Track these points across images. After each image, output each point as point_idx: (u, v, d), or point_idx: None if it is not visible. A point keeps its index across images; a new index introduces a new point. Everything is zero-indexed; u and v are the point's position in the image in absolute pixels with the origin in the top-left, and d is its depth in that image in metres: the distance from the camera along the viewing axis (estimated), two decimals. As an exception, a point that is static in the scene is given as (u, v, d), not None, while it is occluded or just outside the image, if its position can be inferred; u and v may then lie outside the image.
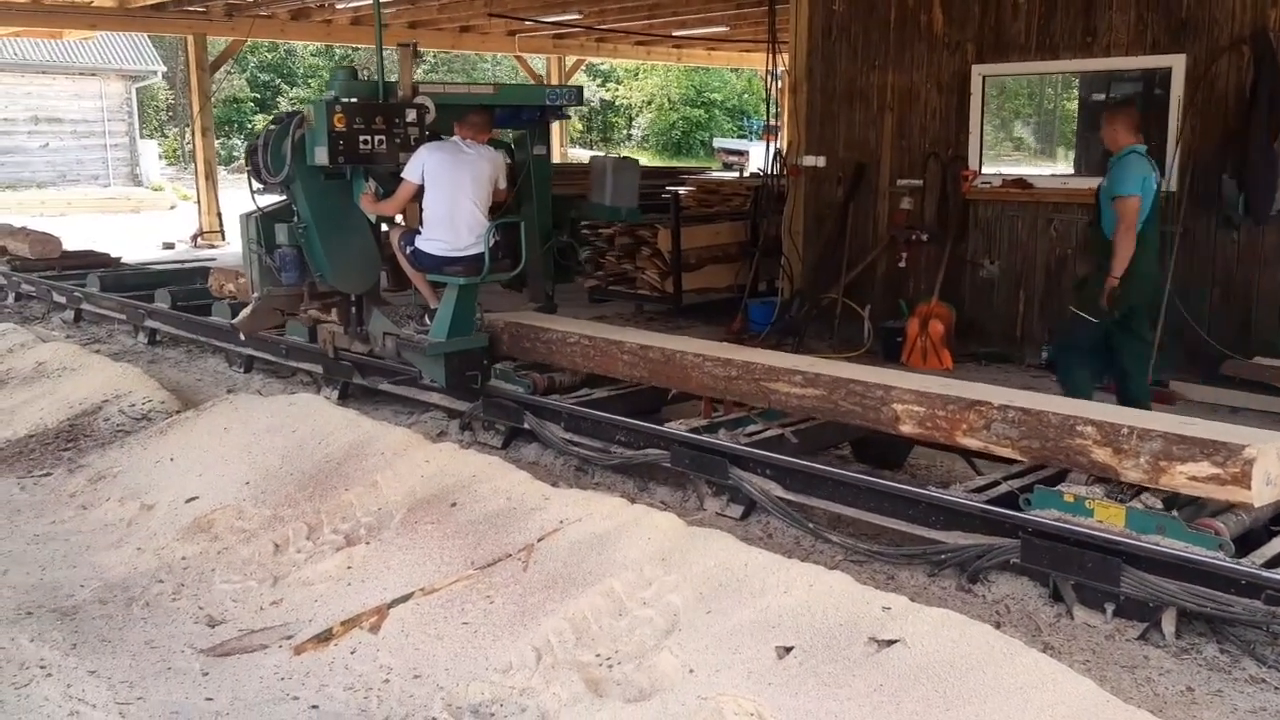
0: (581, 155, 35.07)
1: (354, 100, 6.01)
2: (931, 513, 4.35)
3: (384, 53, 6.43)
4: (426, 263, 6.11)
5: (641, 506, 4.36)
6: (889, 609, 3.36)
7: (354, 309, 6.55)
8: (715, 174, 17.64)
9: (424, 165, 5.91)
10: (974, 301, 8.63)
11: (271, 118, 7.56)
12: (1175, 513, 3.80)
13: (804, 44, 9.39)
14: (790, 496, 4.79)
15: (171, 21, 16.07)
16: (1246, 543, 3.88)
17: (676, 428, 5.28)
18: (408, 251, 6.20)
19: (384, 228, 6.62)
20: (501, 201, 6.39)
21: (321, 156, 5.93)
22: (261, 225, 6.30)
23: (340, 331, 6.71)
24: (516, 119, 6.89)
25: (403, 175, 5.99)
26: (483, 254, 5.95)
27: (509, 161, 6.69)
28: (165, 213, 24.57)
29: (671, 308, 10.17)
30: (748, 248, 10.45)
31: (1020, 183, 8.25)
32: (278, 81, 38.33)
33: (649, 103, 41.64)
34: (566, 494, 4.45)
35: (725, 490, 5.04)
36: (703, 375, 5.40)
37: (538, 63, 22.51)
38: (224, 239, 17.16)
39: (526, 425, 5.91)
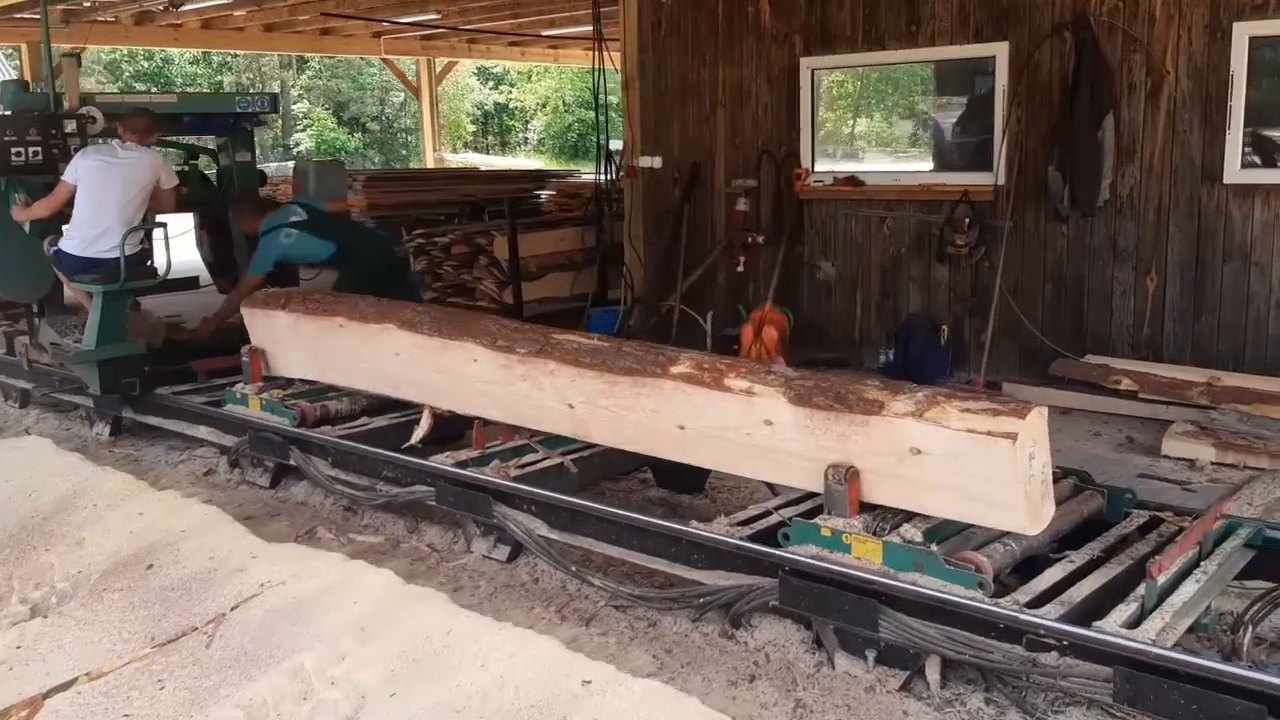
0: (476, 160, 34.39)
1: (5, 114, 6.42)
2: (693, 551, 3.92)
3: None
4: (68, 264, 6.22)
5: (359, 564, 3.87)
6: (590, 683, 2.92)
7: (37, 319, 6.68)
8: (584, 177, 17.21)
9: (77, 168, 6.13)
10: (812, 304, 8.28)
11: None
12: (934, 546, 3.42)
13: (634, 39, 8.96)
14: (555, 536, 4.34)
15: (1, 30, 15.17)
16: (1034, 569, 3.55)
17: (443, 461, 4.79)
18: (50, 253, 6.31)
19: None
20: (168, 208, 6.53)
21: None
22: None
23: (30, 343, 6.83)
24: (207, 126, 7.34)
25: (62, 178, 6.22)
26: (125, 259, 6.06)
27: (185, 166, 7.31)
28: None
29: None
30: (594, 254, 10.01)
31: (852, 180, 7.92)
32: (152, 91, 36.97)
33: (543, 105, 41.01)
34: (278, 550, 3.95)
35: (493, 530, 4.57)
36: (488, 330, 4.86)
37: (408, 65, 21.81)
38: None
39: (293, 461, 5.38)
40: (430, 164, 20.27)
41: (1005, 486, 3.30)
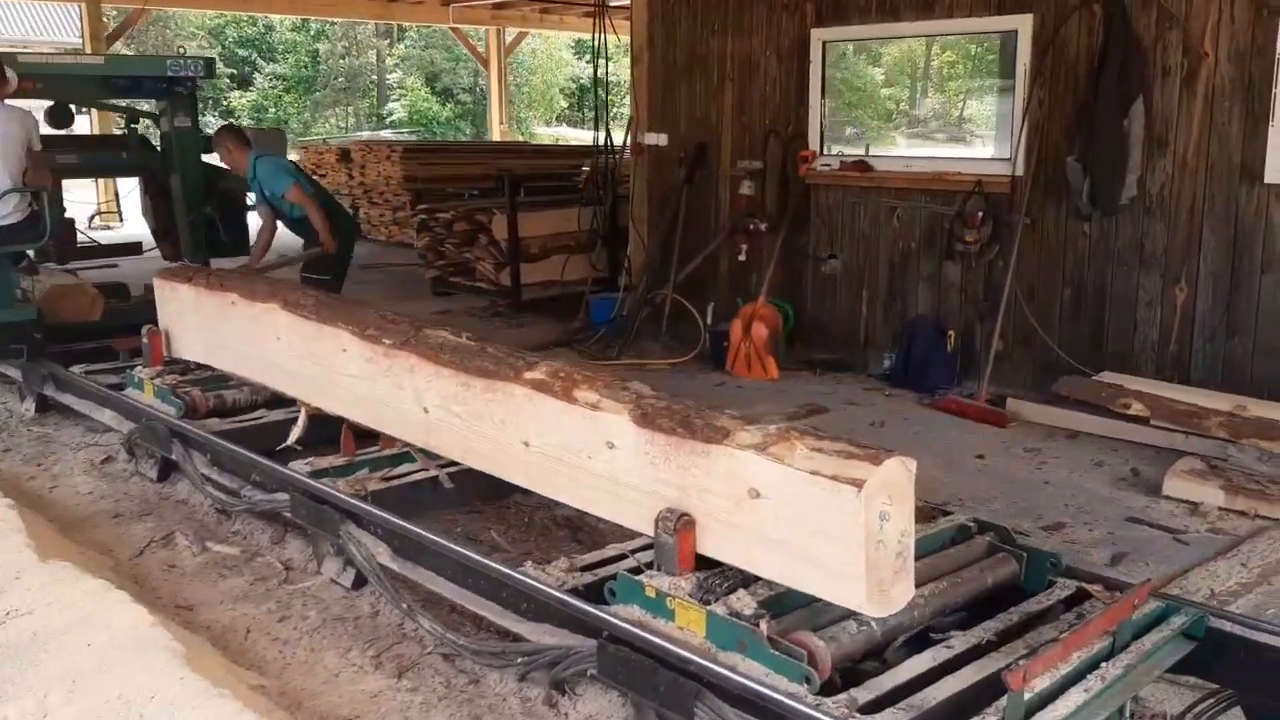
0: (569, 134, 33.90)
1: None
2: (520, 599, 3.33)
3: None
4: None
5: (118, 596, 3.36)
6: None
7: None
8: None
9: None
10: (816, 300, 7.57)
11: None
12: (763, 623, 2.76)
13: (643, 8, 8.32)
14: (396, 565, 3.78)
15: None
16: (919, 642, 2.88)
17: (299, 468, 4.27)
18: None
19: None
20: (39, 173, 6.19)
21: None
22: None
23: None
24: (139, 90, 7.00)
25: None
26: (7, 224, 5.93)
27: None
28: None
29: (509, 304, 9.13)
30: (603, 237, 9.40)
31: (861, 165, 7.16)
32: (254, 57, 37.36)
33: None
34: (47, 572, 3.47)
35: (342, 551, 4.03)
36: (363, 317, 4.30)
37: (478, 36, 21.34)
38: (120, 219, 16.22)
39: (174, 456, 4.92)
40: (496, 136, 19.83)
41: (845, 549, 2.63)
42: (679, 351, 7.76)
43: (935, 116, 7.36)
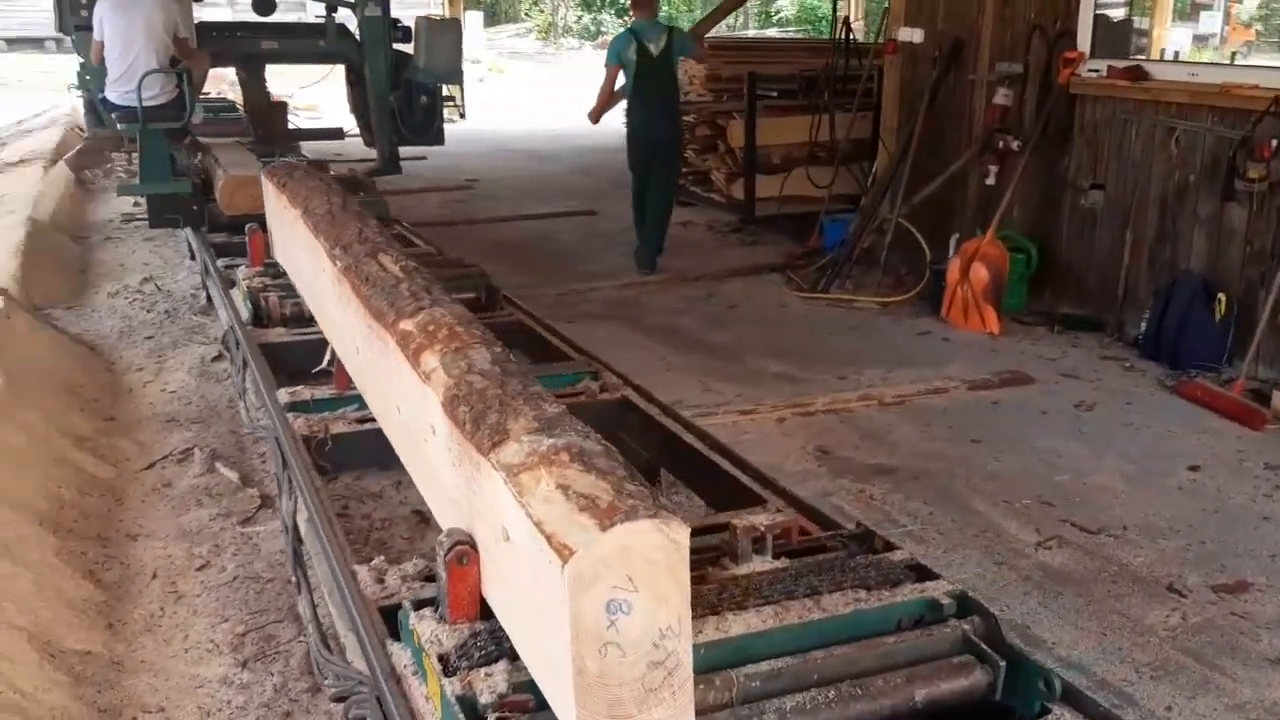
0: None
1: None
2: (349, 602, 2.65)
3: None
4: (110, 110, 6.47)
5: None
6: None
7: None
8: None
9: (100, 19, 6.19)
10: (1071, 240, 6.11)
11: None
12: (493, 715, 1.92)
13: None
14: (303, 529, 3.22)
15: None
16: None
17: (281, 396, 3.77)
18: (98, 99, 6.65)
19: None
20: (190, 57, 6.52)
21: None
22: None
23: None
24: None
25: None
26: (154, 104, 6.17)
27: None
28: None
29: (742, 219, 8.23)
30: (857, 147, 8.19)
31: (1134, 72, 5.60)
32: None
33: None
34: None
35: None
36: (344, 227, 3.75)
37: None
38: (463, 116, 16.56)
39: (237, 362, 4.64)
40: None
41: (554, 641, 1.74)
42: (901, 288, 6.59)
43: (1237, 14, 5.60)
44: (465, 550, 2.17)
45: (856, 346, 5.67)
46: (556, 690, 1.79)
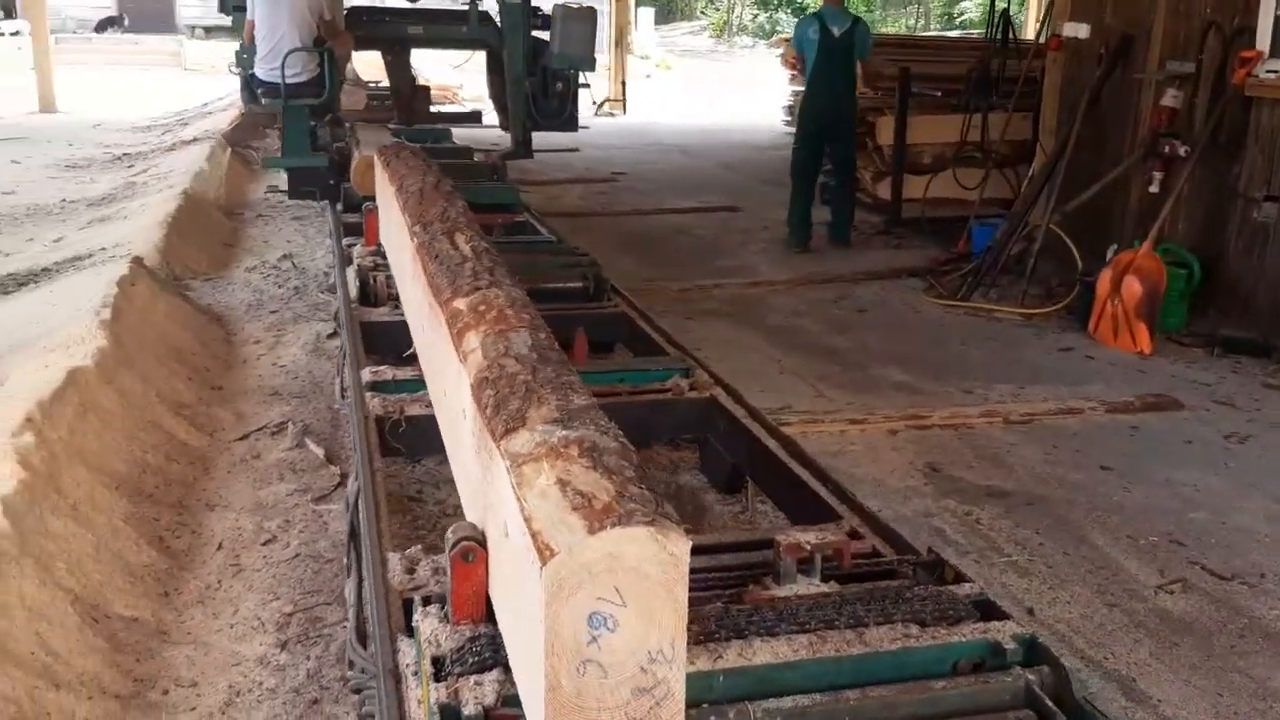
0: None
1: None
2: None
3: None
4: (256, 86, 6.75)
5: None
6: None
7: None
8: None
9: (253, 1, 6.56)
10: (1239, 256, 5.59)
11: None
12: (473, 735, 1.76)
13: None
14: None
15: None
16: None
17: (365, 375, 3.71)
18: (246, 76, 7.00)
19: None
20: (333, 37, 6.68)
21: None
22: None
23: None
24: None
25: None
26: (296, 81, 6.45)
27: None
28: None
29: (887, 220, 7.87)
30: (1015, 150, 7.74)
31: (1320, 71, 5.06)
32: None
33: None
34: None
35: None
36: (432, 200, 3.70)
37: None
38: (624, 110, 16.57)
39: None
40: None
41: (531, 652, 1.56)
42: (1049, 300, 6.16)
43: None
44: (471, 547, 2.01)
45: (989, 359, 5.31)
46: (532, 707, 1.61)
